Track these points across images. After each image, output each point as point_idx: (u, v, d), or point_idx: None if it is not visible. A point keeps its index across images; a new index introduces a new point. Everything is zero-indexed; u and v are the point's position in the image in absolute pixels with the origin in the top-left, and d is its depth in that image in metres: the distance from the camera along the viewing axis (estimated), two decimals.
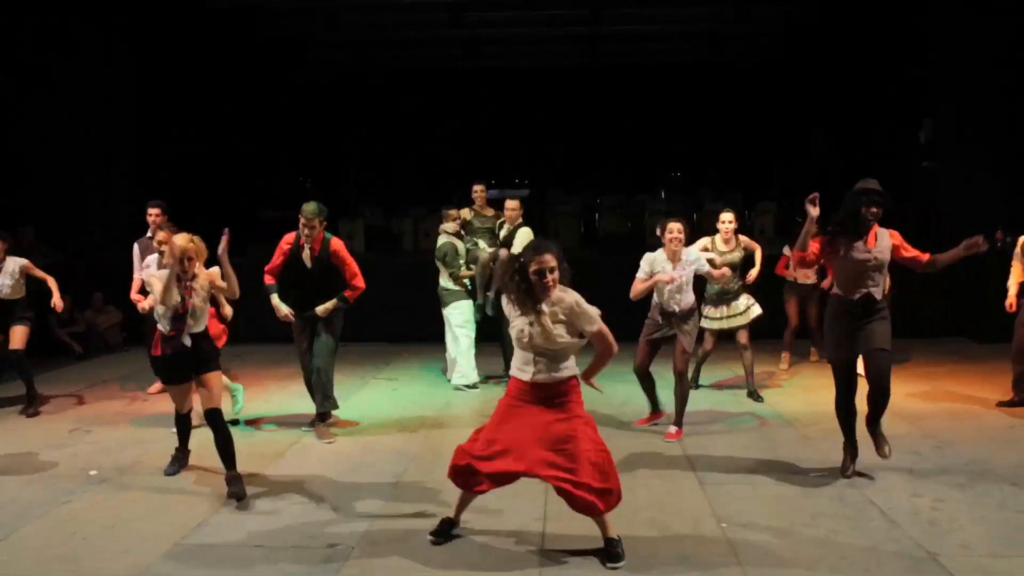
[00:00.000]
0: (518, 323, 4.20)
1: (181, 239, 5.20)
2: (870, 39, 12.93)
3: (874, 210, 5.10)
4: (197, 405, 5.62)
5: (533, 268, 4.10)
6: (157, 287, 5.12)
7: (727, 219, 7.43)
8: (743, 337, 7.46)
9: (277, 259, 6.64)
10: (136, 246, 7.61)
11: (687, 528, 4.56)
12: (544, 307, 4.15)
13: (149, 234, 7.42)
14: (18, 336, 7.21)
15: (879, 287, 5.19)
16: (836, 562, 4.09)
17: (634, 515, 4.73)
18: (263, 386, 8.43)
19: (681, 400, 6.41)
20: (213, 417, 5.22)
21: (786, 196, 14.61)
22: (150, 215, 7.50)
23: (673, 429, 6.40)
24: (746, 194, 15.14)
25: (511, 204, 8.37)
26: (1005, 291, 7.07)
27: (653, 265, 6.27)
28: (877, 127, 13.72)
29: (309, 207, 6.45)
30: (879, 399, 5.22)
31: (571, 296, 4.19)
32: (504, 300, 4.36)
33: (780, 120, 15.94)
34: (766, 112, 15.94)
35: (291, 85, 15.75)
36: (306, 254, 6.55)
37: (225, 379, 6.26)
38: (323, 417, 6.66)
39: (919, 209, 11.41)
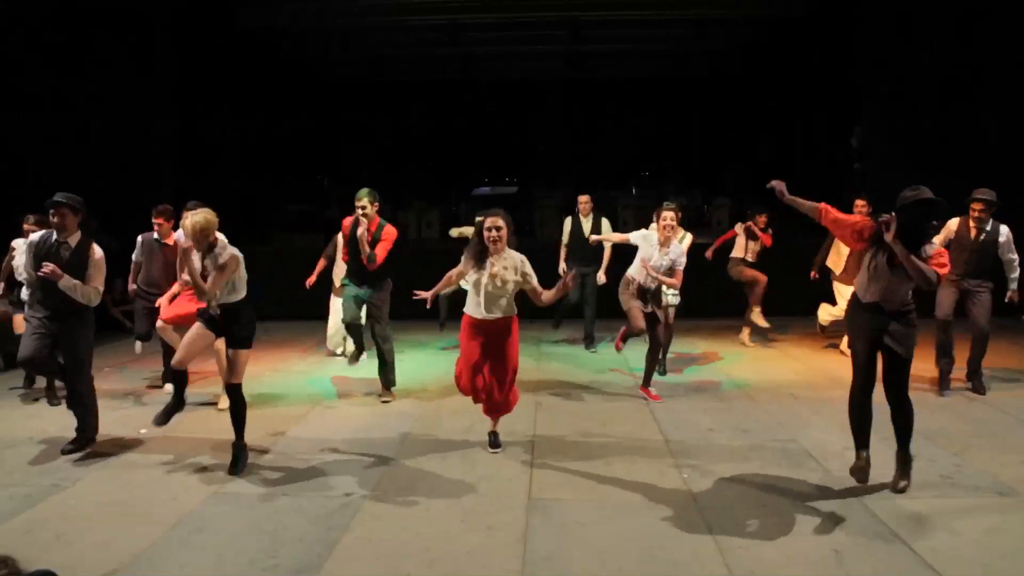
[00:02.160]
0: (476, 276, 4.73)
1: (199, 218, 4.67)
2: (810, 58, 12.95)
3: (936, 223, 4.20)
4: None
5: (486, 225, 4.65)
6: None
7: (668, 217, 7.30)
8: (669, 317, 7.19)
9: (345, 248, 6.52)
10: (140, 239, 6.88)
11: (654, 478, 4.61)
12: (495, 262, 4.70)
13: (158, 238, 6.78)
14: None
15: (905, 298, 4.27)
16: (779, 504, 4.15)
17: (609, 467, 4.79)
18: (286, 357, 8.44)
19: (651, 362, 6.49)
20: (233, 390, 4.86)
21: (737, 193, 14.68)
22: (155, 223, 6.75)
23: (654, 390, 6.46)
24: (704, 191, 15.19)
25: (583, 198, 8.56)
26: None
27: (645, 241, 6.25)
28: (816, 133, 13.78)
29: (361, 191, 6.29)
30: (895, 415, 4.38)
31: (519, 256, 4.77)
32: (464, 259, 4.82)
33: (733, 127, 15.97)
34: (721, 120, 15.97)
35: (311, 96, 15.66)
36: (362, 233, 6.27)
37: None
38: (387, 385, 6.62)
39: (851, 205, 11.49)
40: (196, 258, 4.72)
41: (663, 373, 7.26)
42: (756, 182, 15.74)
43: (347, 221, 6.50)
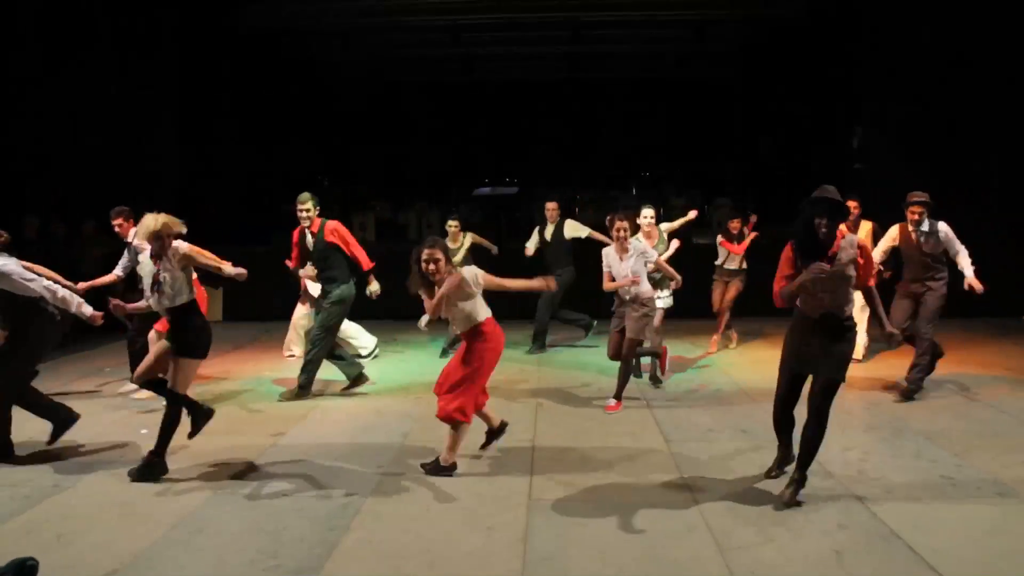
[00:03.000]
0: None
1: (149, 220, 4.65)
2: (810, 58, 12.95)
3: (825, 221, 3.99)
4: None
5: (423, 258, 4.63)
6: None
7: (648, 215, 7.09)
8: (657, 321, 6.85)
9: (294, 252, 6.71)
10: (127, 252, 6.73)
11: (654, 479, 4.60)
12: (442, 288, 4.64)
13: (129, 239, 6.63)
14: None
15: (844, 303, 4.10)
16: (779, 505, 4.14)
17: (609, 468, 4.79)
18: (287, 358, 8.43)
19: (624, 376, 6.13)
20: (167, 394, 4.75)
21: (738, 192, 14.68)
22: (114, 225, 6.68)
23: (612, 402, 6.11)
24: (704, 191, 15.21)
25: (551, 205, 8.45)
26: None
27: (608, 259, 6.13)
28: (815, 134, 13.77)
29: (301, 195, 6.48)
30: (809, 431, 4.15)
31: (455, 276, 4.66)
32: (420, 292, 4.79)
33: (733, 127, 15.98)
34: (721, 120, 15.98)
35: (312, 95, 15.67)
36: (308, 239, 6.55)
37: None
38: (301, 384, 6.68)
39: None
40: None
41: (657, 383, 6.91)
42: (756, 182, 15.74)
43: (295, 232, 6.66)
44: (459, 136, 17.27)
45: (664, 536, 3.80)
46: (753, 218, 8.62)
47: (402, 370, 7.78)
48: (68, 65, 10.33)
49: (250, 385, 7.20)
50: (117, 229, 6.70)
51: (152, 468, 4.68)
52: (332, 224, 6.57)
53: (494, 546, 3.73)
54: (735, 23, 12.76)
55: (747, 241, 8.27)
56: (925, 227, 6.27)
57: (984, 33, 10.18)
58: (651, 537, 3.79)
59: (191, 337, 4.74)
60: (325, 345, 6.59)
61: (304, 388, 6.60)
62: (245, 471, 4.82)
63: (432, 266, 4.65)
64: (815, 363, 4.15)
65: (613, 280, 6.11)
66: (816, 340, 4.13)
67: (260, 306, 10.00)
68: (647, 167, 18.45)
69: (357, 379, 6.80)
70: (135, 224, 6.66)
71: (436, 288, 4.70)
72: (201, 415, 4.91)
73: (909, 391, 6.29)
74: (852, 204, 7.59)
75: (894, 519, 3.94)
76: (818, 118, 13.49)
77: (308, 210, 6.45)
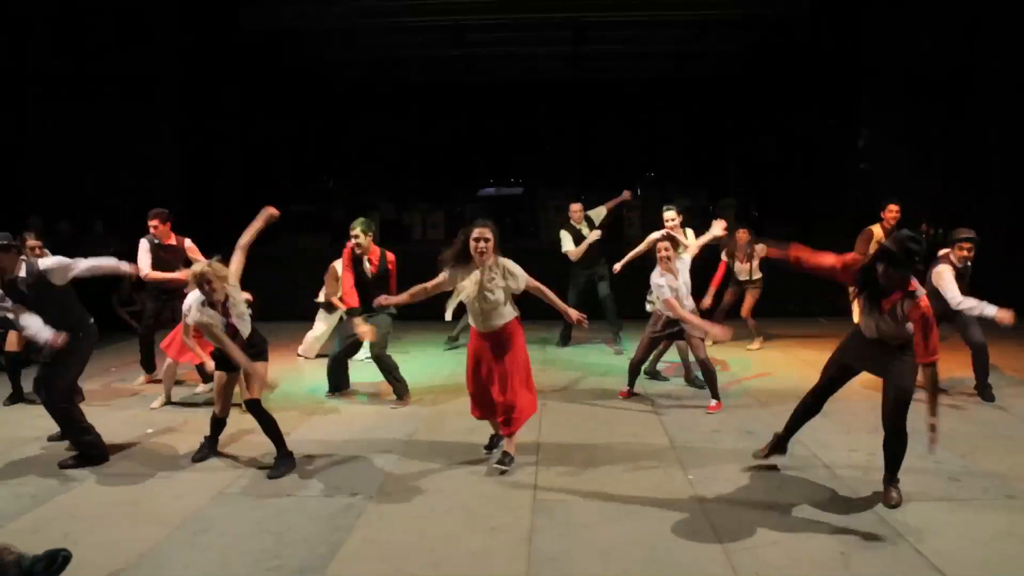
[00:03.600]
0: (467, 291, 4.64)
1: (197, 267, 4.76)
2: (814, 58, 12.93)
3: (882, 268, 3.88)
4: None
5: (473, 236, 4.57)
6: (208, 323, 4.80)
7: (670, 217, 7.01)
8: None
9: (349, 278, 6.35)
10: (145, 242, 6.84)
11: (659, 480, 4.60)
12: (483, 273, 4.61)
13: (156, 240, 6.83)
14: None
15: (899, 339, 4.08)
16: (784, 506, 4.14)
17: (614, 468, 4.79)
18: (292, 359, 8.44)
19: (710, 377, 6.14)
20: (250, 407, 4.83)
21: (742, 192, 14.68)
22: (150, 226, 6.82)
23: (714, 403, 6.13)
24: (708, 191, 15.19)
25: (575, 207, 8.61)
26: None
27: (661, 281, 6.02)
28: (820, 134, 13.75)
29: (357, 221, 6.33)
30: (891, 449, 4.23)
31: (503, 263, 4.68)
32: (446, 271, 4.72)
33: (737, 127, 15.95)
34: (725, 120, 15.95)
35: (315, 97, 15.68)
36: (366, 266, 6.36)
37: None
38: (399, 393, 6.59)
39: (855, 205, 11.47)
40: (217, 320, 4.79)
41: (700, 385, 6.77)
42: (758, 182, 15.70)
43: (346, 255, 6.48)
44: (462, 137, 17.25)
45: (669, 537, 3.80)
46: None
47: (406, 371, 7.75)
48: (68, 65, 10.36)
49: None
50: (152, 231, 6.84)
51: (286, 463, 4.82)
52: (391, 255, 6.53)
53: (498, 546, 3.74)
54: (738, 23, 12.73)
55: (757, 259, 8.24)
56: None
57: (984, 31, 10.17)
58: (656, 538, 3.79)
59: (264, 345, 5.03)
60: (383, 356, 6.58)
61: (401, 394, 6.56)
62: (250, 471, 4.83)
63: (482, 245, 4.59)
64: (876, 362, 4.22)
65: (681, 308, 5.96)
66: (879, 348, 4.16)
67: (263, 307, 9.98)
68: (650, 167, 18.42)
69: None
70: (171, 226, 6.91)
71: (478, 274, 4.63)
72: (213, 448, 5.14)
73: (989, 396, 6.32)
74: (894, 208, 7.39)
75: (899, 521, 3.93)
76: (819, 118, 13.46)
77: (358, 236, 6.26)
